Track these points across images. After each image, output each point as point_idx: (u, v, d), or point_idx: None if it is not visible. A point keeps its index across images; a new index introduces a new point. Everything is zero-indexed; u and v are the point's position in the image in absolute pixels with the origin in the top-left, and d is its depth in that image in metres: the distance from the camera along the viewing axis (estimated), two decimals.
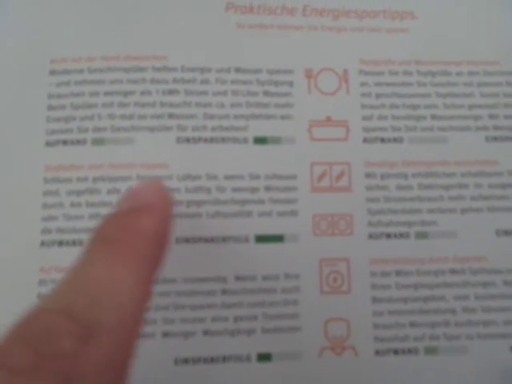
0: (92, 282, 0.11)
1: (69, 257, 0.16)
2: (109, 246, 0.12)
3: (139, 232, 0.13)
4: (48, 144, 0.17)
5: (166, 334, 0.17)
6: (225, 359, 0.17)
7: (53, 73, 0.18)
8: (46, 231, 0.17)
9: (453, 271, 0.18)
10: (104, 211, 0.17)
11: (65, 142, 0.17)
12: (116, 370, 0.11)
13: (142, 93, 0.18)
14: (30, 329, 0.10)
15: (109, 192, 0.17)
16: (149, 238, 0.13)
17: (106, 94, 0.18)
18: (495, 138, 0.19)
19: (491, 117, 0.19)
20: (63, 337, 0.10)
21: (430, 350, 0.17)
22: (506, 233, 0.18)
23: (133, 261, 0.12)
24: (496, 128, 0.19)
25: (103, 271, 0.12)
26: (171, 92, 0.18)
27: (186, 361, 0.17)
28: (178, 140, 0.18)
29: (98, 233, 0.13)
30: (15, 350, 0.10)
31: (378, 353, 0.17)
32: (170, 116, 0.18)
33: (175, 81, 0.18)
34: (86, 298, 0.11)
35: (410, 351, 0.17)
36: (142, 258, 0.13)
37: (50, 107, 0.18)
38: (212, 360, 0.17)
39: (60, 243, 0.17)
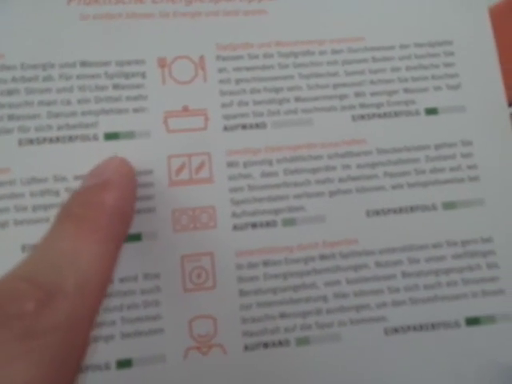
0: (54, 253, 0.13)
1: None
2: (72, 221, 0.13)
3: (101, 207, 0.14)
4: None
5: None
6: (82, 369, 0.16)
7: None
8: None
9: (323, 257, 0.17)
10: None
11: None
12: (75, 330, 0.12)
13: None
14: None
15: None
16: (111, 211, 0.14)
17: None
18: (362, 117, 0.18)
19: (357, 95, 0.19)
20: (25, 299, 0.11)
21: (302, 341, 0.17)
22: (377, 213, 0.18)
23: (95, 234, 0.13)
24: (362, 106, 0.18)
25: (66, 243, 0.13)
26: (10, 92, 0.17)
27: None
28: (20, 142, 0.17)
29: (63, 209, 0.14)
30: None
31: (247, 348, 0.17)
32: (10, 117, 0.17)
33: (14, 80, 0.17)
34: (48, 266, 0.12)
35: (280, 343, 0.17)
36: (104, 231, 0.14)
37: None
38: None
39: None
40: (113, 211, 0.14)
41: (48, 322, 0.11)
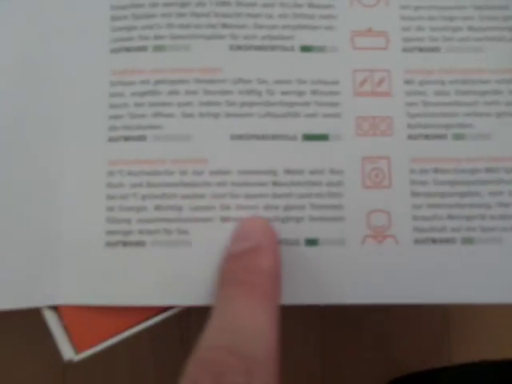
0: (240, 323, 0.14)
1: (133, 151, 0.18)
2: (243, 289, 0.15)
3: (263, 273, 0.15)
4: (113, 51, 0.19)
5: (224, 219, 0.18)
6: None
7: None
8: (113, 128, 0.19)
9: (488, 170, 0.19)
10: (165, 110, 0.19)
11: (128, 49, 0.19)
12: None
13: (197, 4, 0.19)
14: (209, 362, 0.13)
15: (169, 93, 0.19)
16: (271, 277, 0.15)
17: (165, 5, 0.19)
18: None
19: None
20: (237, 373, 0.13)
21: (467, 240, 0.19)
22: None
23: (266, 302, 0.14)
24: None
25: (246, 313, 0.14)
26: (224, 3, 0.19)
27: None
28: (231, 47, 0.19)
29: (227, 273, 0.15)
30: (203, 378, 0.13)
31: (417, 241, 0.19)
32: (224, 26, 0.19)
33: None
34: (241, 339, 0.13)
35: (447, 241, 0.19)
36: (270, 298, 0.15)
37: (113, 18, 0.19)
38: None
39: (126, 139, 0.19)
40: (272, 276, 0.15)
41: None
